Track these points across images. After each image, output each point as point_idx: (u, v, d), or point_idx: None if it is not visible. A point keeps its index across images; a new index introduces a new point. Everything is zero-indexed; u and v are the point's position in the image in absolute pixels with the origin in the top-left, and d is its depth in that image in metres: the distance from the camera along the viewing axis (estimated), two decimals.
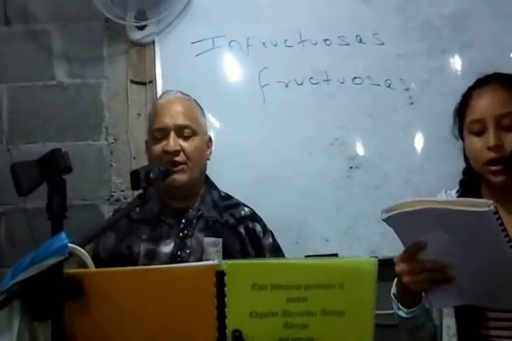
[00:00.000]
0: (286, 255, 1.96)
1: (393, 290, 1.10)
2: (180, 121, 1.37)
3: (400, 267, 0.97)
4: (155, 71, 2.05)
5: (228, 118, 2.07)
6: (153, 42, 2.05)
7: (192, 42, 2.06)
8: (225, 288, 0.75)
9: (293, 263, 0.80)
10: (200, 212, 1.40)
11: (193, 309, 0.75)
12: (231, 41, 2.08)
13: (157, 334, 0.76)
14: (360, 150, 2.07)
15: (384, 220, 1.10)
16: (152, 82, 2.04)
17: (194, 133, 1.39)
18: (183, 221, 1.40)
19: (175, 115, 1.37)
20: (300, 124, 2.07)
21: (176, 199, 1.42)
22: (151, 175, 1.16)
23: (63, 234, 0.75)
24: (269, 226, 1.94)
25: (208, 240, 1.36)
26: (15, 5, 2.10)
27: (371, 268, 0.75)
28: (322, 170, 2.05)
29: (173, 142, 1.35)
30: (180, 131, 1.36)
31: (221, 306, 0.75)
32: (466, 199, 0.99)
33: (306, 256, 2.01)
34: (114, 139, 2.05)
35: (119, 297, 0.77)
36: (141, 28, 2.04)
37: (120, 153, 2.03)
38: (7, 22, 2.10)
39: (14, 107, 2.08)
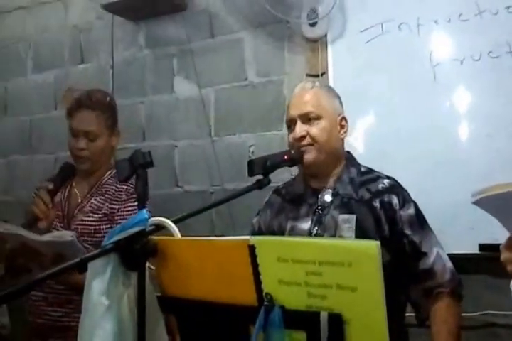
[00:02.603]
0: (460, 241, 1.81)
1: None
2: (303, 109, 1.41)
3: (503, 255, 0.85)
4: (327, 63, 2.10)
5: (399, 102, 1.98)
6: (325, 35, 2.10)
7: (361, 31, 2.04)
8: (257, 259, 0.81)
9: (307, 241, 0.84)
10: (335, 190, 1.42)
11: (235, 273, 0.84)
12: (401, 24, 1.98)
13: (212, 292, 0.88)
14: None
15: (474, 204, 0.95)
16: (325, 73, 2.09)
17: (318, 117, 1.41)
18: (319, 200, 1.43)
19: (298, 105, 1.42)
20: (477, 103, 1.84)
21: (314, 180, 1.46)
22: (268, 163, 1.24)
23: (144, 211, 0.92)
24: (443, 211, 1.81)
25: (341, 217, 1.37)
26: (217, 21, 2.41)
27: (373, 250, 0.73)
28: (502, 152, 1.80)
29: (298, 129, 1.40)
30: (304, 117, 1.41)
31: (256, 273, 0.82)
32: None
33: (480, 245, 1.81)
34: None
35: (184, 259, 0.91)
36: (313, 24, 2.11)
37: None
38: (212, 35, 2.43)
39: (218, 106, 2.40)
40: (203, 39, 2.43)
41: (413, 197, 1.42)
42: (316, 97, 1.43)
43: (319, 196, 1.43)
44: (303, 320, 0.81)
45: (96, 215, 1.56)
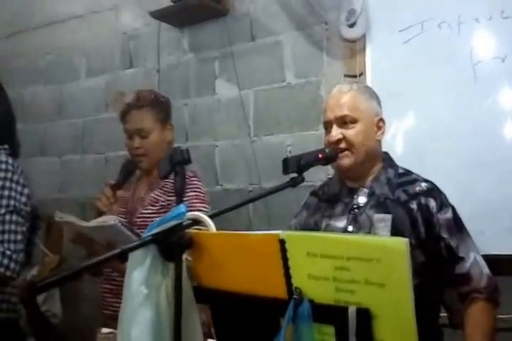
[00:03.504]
0: (499, 241, 1.75)
1: None
2: (338, 112, 1.39)
3: None
4: (365, 63, 2.07)
5: (439, 102, 1.93)
6: (364, 36, 2.08)
7: (400, 31, 2.00)
8: (287, 253, 0.81)
9: (336, 237, 0.82)
10: (372, 190, 1.40)
11: (266, 266, 0.84)
12: (441, 23, 1.93)
13: (244, 284, 0.88)
14: None
15: None
16: (362, 74, 2.06)
17: (355, 121, 1.39)
18: (354, 199, 1.42)
19: (334, 108, 1.41)
20: None
21: (350, 180, 1.45)
22: (302, 161, 1.24)
23: (182, 205, 0.94)
24: (483, 212, 1.75)
25: (377, 216, 1.35)
26: (258, 25, 2.43)
27: (401, 246, 0.71)
28: None
29: (334, 133, 1.39)
30: (340, 120, 1.40)
31: (286, 267, 0.82)
32: None
33: None
34: None
35: (218, 252, 0.92)
36: (352, 25, 2.09)
37: None
38: (252, 39, 2.45)
39: (257, 107, 2.41)
40: (243, 42, 2.45)
41: (452, 197, 1.38)
42: (352, 100, 1.41)
43: (355, 195, 1.42)
44: (331, 314, 0.80)
45: (154, 207, 1.61)
